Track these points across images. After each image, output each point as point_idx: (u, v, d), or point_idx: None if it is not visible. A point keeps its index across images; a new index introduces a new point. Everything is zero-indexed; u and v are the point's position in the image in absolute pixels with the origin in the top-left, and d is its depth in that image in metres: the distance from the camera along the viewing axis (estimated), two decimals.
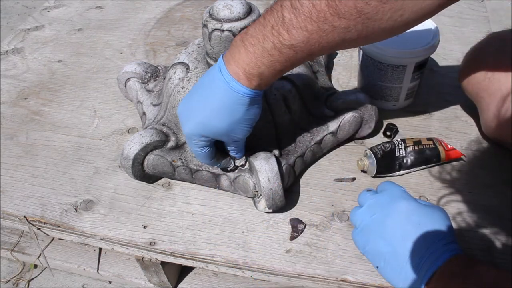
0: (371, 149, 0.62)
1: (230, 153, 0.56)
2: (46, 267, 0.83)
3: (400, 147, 0.62)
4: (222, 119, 0.48)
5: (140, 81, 0.71)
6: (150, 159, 0.59)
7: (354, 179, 0.63)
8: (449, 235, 0.46)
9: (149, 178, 0.63)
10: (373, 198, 0.50)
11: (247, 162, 0.58)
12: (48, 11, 1.06)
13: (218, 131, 0.50)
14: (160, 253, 0.57)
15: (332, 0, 0.39)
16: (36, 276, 0.87)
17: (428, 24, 0.69)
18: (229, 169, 0.58)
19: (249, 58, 0.44)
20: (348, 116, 0.63)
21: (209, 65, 0.61)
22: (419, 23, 0.42)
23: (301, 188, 0.62)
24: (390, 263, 0.46)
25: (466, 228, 0.56)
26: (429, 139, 0.63)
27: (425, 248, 0.45)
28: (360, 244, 0.50)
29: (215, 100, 0.47)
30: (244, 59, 0.44)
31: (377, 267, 0.48)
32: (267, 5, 1.03)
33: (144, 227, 0.59)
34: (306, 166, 0.64)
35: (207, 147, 0.53)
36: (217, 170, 0.60)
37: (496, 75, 0.58)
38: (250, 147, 0.59)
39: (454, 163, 0.64)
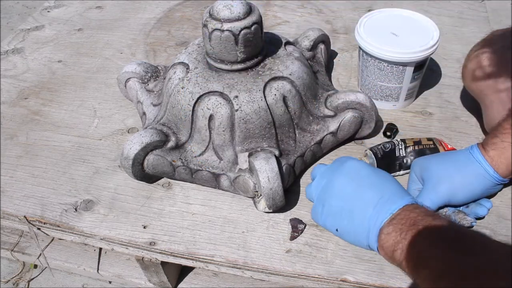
0: (371, 149, 0.62)
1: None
2: (46, 267, 0.83)
3: (400, 147, 0.62)
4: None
5: (140, 81, 0.71)
6: (150, 159, 0.59)
7: None
8: (402, 188, 0.48)
9: (149, 178, 0.63)
10: (323, 167, 0.53)
11: (247, 162, 0.58)
12: (48, 11, 1.06)
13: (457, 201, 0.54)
14: (160, 253, 0.57)
15: None
16: (36, 276, 0.87)
17: (428, 24, 0.69)
18: None
19: None
20: (348, 116, 0.63)
21: (209, 65, 0.61)
22: None
23: (301, 188, 0.62)
24: (345, 219, 0.48)
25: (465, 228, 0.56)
26: (429, 139, 0.63)
27: (378, 197, 0.46)
28: (319, 214, 0.51)
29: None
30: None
31: (337, 230, 0.49)
32: (267, 5, 1.04)
33: (144, 227, 0.59)
34: (306, 166, 0.64)
35: None
36: (217, 170, 0.60)
37: (501, 72, 0.58)
38: (250, 147, 0.59)
39: None
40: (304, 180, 0.63)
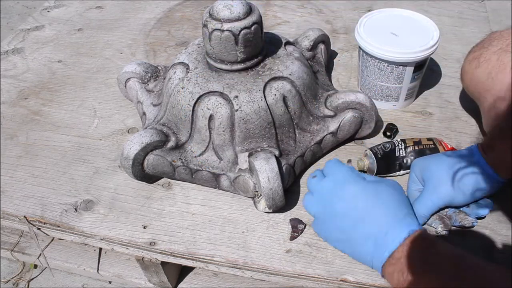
0: (371, 149, 0.62)
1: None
2: (46, 267, 0.83)
3: (400, 147, 0.62)
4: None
5: (140, 81, 0.71)
6: (150, 159, 0.59)
7: None
8: (400, 209, 0.48)
9: (149, 178, 0.63)
10: (318, 184, 0.52)
11: (247, 162, 0.58)
12: (48, 11, 1.06)
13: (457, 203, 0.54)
14: (160, 253, 0.57)
15: None
16: (36, 276, 0.87)
17: (428, 24, 0.69)
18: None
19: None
20: (348, 116, 0.63)
21: (209, 65, 0.61)
22: None
23: (301, 188, 0.62)
24: (348, 249, 0.50)
25: (465, 229, 0.56)
26: (429, 139, 0.63)
27: (376, 232, 0.46)
28: (321, 234, 0.53)
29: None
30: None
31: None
32: (267, 5, 1.04)
33: (144, 227, 0.59)
34: (306, 166, 0.64)
35: None
36: (217, 170, 0.60)
37: (500, 75, 0.58)
38: (250, 147, 0.59)
39: None
40: (304, 180, 0.63)
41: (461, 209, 0.55)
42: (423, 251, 0.44)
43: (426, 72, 0.71)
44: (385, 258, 0.45)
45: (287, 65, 0.60)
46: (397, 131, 0.69)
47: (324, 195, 0.51)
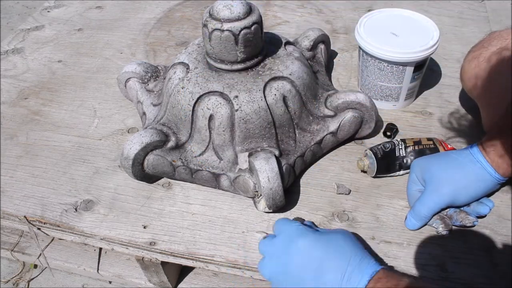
0: (371, 149, 0.62)
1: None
2: (46, 267, 0.83)
3: (400, 147, 0.62)
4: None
5: (140, 81, 0.71)
6: (150, 159, 0.59)
7: (350, 191, 0.62)
8: (355, 254, 0.45)
9: (149, 178, 0.63)
10: (270, 245, 0.49)
11: (247, 162, 0.58)
12: (48, 11, 1.06)
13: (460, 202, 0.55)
14: (160, 253, 0.57)
15: None
16: (36, 276, 0.87)
17: (428, 24, 0.69)
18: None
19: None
20: (348, 116, 0.63)
21: (209, 65, 0.61)
22: None
23: (301, 188, 0.63)
24: None
25: (466, 228, 0.56)
26: (429, 139, 0.63)
27: (340, 276, 0.44)
28: None
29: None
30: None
31: None
32: (267, 5, 1.04)
33: (144, 227, 0.59)
34: (306, 166, 0.64)
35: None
36: (217, 170, 0.60)
37: (499, 74, 0.58)
38: (250, 147, 0.59)
39: None
40: (304, 180, 0.64)
41: (462, 208, 0.55)
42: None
43: (426, 72, 0.71)
44: None
45: (287, 65, 0.60)
46: (397, 131, 0.69)
47: (277, 253, 0.48)
